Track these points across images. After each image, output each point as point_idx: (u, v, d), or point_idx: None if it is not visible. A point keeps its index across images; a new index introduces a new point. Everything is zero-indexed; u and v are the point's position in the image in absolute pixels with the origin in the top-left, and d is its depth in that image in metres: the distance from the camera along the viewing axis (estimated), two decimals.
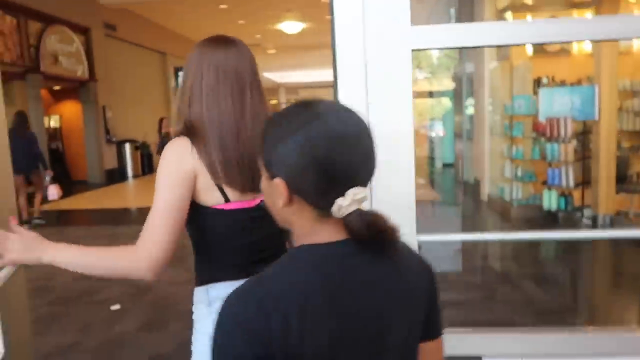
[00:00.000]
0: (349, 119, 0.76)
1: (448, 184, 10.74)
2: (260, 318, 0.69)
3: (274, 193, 0.76)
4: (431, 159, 12.78)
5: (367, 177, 0.76)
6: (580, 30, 1.50)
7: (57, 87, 11.84)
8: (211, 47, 1.24)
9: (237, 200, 1.19)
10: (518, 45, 6.23)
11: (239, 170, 1.16)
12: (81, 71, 11.40)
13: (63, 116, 12.07)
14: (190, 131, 1.18)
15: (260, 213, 1.08)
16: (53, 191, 6.11)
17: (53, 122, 12.12)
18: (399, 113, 1.46)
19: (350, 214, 0.72)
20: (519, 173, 6.79)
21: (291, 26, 16.53)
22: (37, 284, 4.40)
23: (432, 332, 0.87)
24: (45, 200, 7.09)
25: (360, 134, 0.75)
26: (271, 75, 34.46)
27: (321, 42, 20.62)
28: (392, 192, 1.45)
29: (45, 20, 10.06)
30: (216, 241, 1.22)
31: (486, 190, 7.92)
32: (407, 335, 0.80)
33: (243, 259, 1.22)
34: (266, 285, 0.73)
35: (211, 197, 1.17)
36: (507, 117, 7.03)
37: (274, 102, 39.05)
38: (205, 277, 1.24)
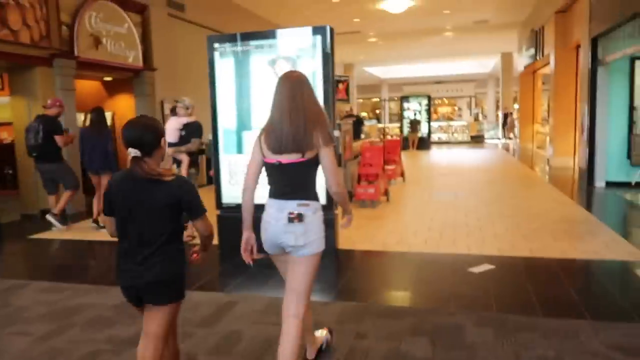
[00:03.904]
0: (133, 122, 2.09)
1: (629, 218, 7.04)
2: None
3: None
4: (589, 174, 9.04)
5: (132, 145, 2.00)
6: None
7: (108, 78, 9.94)
8: (279, 80, 2.33)
9: (270, 158, 2.29)
10: None
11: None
12: (133, 58, 9.37)
13: (117, 113, 10.20)
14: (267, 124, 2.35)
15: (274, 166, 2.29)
16: None
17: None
18: None
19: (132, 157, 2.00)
20: None
21: (395, 4, 13.47)
22: None
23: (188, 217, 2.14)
24: None
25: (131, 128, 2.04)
26: (373, 70, 31.57)
27: (431, 26, 17.40)
28: None
29: None
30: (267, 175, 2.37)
31: None
32: (147, 218, 2.05)
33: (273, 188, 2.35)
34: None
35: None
36: None
37: (375, 99, 36.37)
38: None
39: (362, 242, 5.43)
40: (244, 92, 5.00)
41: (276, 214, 2.26)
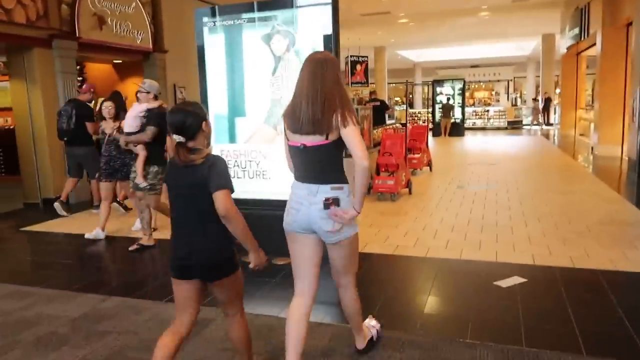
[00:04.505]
0: (175, 109, 2.11)
1: None
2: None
3: None
4: None
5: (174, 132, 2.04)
6: None
7: (118, 61, 9.50)
8: (304, 61, 2.26)
9: (293, 140, 2.25)
10: None
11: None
12: (142, 39, 8.89)
13: (128, 97, 9.75)
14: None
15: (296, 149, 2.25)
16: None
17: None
18: None
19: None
20: None
21: None
22: None
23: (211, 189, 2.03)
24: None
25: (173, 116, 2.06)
26: (406, 54, 30.38)
27: (465, 6, 16.23)
28: None
29: None
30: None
31: None
32: (185, 201, 2.08)
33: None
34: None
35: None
36: None
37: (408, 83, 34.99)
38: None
39: (373, 242, 4.77)
40: (237, 73, 4.37)
41: (308, 197, 2.21)
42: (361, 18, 17.02)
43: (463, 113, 19.25)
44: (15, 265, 4.82)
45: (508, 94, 31.91)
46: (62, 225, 6.15)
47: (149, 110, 4.73)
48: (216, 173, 2.02)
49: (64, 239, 5.61)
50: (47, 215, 6.61)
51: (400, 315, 3.26)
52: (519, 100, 29.41)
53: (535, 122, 22.40)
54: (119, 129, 5.21)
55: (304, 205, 2.21)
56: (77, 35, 7.49)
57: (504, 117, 22.51)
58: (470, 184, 8.03)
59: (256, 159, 4.38)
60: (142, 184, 4.71)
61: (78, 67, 10.13)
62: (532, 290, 3.52)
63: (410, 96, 34.02)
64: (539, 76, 25.24)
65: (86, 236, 5.38)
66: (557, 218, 5.53)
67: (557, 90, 22.52)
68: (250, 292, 3.64)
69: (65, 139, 6.54)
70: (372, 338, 2.71)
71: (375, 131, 7.89)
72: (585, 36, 12.96)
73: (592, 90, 23.93)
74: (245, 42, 4.31)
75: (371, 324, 2.78)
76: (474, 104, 27.13)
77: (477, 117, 22.90)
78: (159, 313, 3.33)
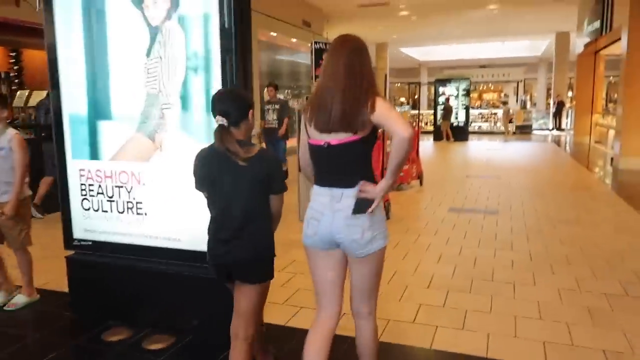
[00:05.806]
0: (222, 91, 2.19)
1: None
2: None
3: None
4: None
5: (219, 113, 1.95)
6: None
7: None
8: (332, 47, 1.95)
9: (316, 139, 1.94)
10: None
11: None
12: None
13: None
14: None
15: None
16: None
17: None
18: None
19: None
20: None
21: None
22: None
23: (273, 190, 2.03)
24: None
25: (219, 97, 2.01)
26: (410, 52, 28.74)
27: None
28: None
29: None
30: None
31: None
32: (228, 193, 1.96)
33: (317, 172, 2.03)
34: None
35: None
36: None
37: (412, 83, 33.69)
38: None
39: (307, 312, 3.24)
40: (99, 52, 2.91)
41: (331, 203, 1.91)
42: (359, 10, 15.53)
43: (467, 115, 17.67)
44: None
45: (517, 95, 30.28)
46: None
47: None
48: (279, 176, 2.02)
49: None
50: None
51: None
52: (528, 103, 27.77)
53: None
54: None
55: (326, 215, 1.92)
56: None
57: (512, 120, 20.88)
58: (466, 205, 6.51)
59: (127, 184, 2.91)
60: None
61: (13, 54, 8.78)
62: None
63: (416, 97, 32.56)
64: (550, 78, 23.63)
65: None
66: (578, 267, 4.01)
67: (569, 93, 20.91)
68: None
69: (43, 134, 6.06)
70: None
71: None
72: (608, 30, 11.36)
73: (607, 93, 22.40)
74: (110, 6, 2.84)
75: None
76: (480, 106, 25.47)
77: (484, 119, 21.28)
78: None
